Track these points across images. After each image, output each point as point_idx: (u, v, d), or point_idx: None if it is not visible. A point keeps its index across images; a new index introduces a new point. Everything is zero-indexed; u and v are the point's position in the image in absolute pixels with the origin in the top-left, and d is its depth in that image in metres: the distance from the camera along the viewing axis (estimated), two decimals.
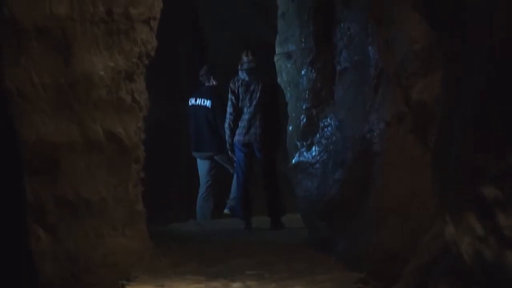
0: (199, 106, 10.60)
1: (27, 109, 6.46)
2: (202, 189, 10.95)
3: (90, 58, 6.84)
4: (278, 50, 9.18)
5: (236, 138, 9.88)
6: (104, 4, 6.94)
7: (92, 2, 6.86)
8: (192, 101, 10.72)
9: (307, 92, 8.46)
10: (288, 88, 9.01)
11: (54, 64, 6.63)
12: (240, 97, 9.77)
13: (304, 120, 8.54)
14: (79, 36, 6.77)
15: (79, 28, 6.78)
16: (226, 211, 10.71)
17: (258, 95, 9.64)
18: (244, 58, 9.79)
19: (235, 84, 9.82)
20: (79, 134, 6.75)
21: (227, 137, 10.05)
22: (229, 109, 9.93)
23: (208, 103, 10.52)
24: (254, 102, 9.68)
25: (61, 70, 6.65)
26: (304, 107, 8.54)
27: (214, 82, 10.66)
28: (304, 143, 8.56)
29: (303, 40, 8.49)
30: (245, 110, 9.77)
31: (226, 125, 9.96)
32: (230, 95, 9.89)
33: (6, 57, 6.46)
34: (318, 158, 8.27)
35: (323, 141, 8.22)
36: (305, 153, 8.52)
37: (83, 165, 6.79)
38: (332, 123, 8.08)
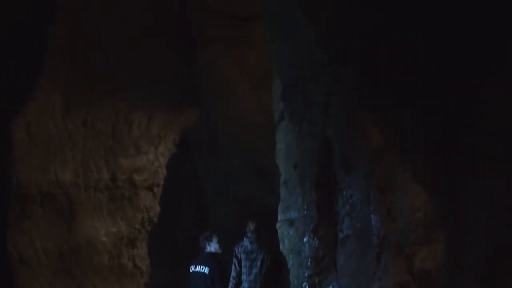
0: (198, 272, 10.53)
1: (27, 275, 6.43)
2: None
3: (93, 224, 6.88)
4: (280, 217, 9.21)
5: None
6: (109, 171, 7.06)
7: (97, 169, 6.97)
8: (192, 268, 10.66)
9: (309, 259, 8.41)
10: (291, 255, 8.96)
11: (57, 230, 6.66)
12: (242, 264, 9.76)
13: (307, 287, 8.44)
14: (83, 202, 6.84)
15: (83, 194, 6.86)
16: None
17: (259, 263, 9.63)
18: (249, 227, 9.89)
19: (239, 250, 9.85)
20: None
21: None
22: (232, 273, 9.92)
23: (206, 269, 10.47)
24: (254, 271, 9.64)
25: (63, 236, 6.68)
26: (306, 274, 8.46)
27: (212, 249, 10.64)
28: None
29: (305, 207, 8.52)
30: (245, 277, 9.72)
31: None
32: (234, 260, 9.90)
33: (10, 222, 6.50)
34: None
35: None
36: None
37: None
38: None
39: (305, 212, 8.53)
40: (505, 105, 6.02)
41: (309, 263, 8.44)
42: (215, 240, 10.63)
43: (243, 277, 9.72)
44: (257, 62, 12.16)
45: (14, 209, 6.54)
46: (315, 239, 8.31)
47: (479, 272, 6.10)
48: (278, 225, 9.25)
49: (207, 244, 10.62)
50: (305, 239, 8.50)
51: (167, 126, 7.69)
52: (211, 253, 10.59)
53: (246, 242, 9.82)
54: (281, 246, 9.24)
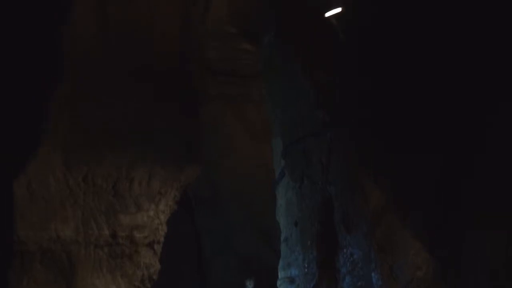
0: None
1: None
2: None
3: (93, 281, 6.84)
4: (281, 274, 9.15)
5: None
6: (109, 227, 7.03)
7: (97, 225, 6.96)
8: None
9: None
10: None
11: (56, 287, 6.61)
12: None
13: None
14: (82, 259, 6.81)
15: (83, 251, 6.84)
16: None
17: None
18: (248, 286, 9.88)
19: None
20: None
21: None
22: None
23: None
24: None
25: None
26: None
27: None
28: None
29: (306, 265, 8.48)
30: None
31: None
32: None
33: (9, 279, 6.46)
34: None
35: None
36: None
37: None
38: None
39: (306, 269, 8.48)
40: (505, 155, 6.04)
41: None
42: None
43: None
44: (257, 118, 12.24)
45: (13, 265, 6.51)
46: None
47: None
48: (278, 282, 9.19)
49: None
50: None
51: (168, 183, 7.69)
52: None
53: None
54: None
